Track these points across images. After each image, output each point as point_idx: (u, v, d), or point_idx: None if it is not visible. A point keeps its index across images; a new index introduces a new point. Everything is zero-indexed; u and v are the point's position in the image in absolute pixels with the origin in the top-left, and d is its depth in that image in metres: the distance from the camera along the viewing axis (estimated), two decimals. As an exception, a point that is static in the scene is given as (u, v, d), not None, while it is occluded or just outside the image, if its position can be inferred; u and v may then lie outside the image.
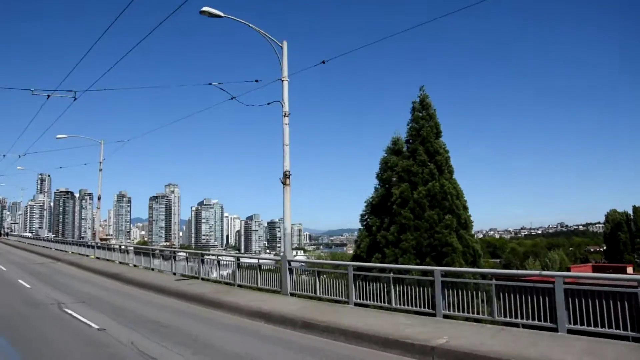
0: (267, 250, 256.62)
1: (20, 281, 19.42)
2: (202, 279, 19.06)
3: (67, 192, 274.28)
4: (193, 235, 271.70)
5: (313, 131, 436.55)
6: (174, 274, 21.09)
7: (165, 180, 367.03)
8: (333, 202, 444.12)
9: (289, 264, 14.47)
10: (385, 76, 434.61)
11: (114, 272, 21.97)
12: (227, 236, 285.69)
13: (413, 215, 16.19)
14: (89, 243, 35.56)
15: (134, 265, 25.32)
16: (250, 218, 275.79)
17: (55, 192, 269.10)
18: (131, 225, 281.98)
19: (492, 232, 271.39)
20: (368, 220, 19.47)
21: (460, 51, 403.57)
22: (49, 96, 21.44)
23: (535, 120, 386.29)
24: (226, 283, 17.65)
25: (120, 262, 27.37)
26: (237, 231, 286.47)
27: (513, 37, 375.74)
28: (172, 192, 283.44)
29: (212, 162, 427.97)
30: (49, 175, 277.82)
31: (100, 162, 30.16)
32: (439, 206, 16.11)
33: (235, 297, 13.72)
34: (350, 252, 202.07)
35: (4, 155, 38.33)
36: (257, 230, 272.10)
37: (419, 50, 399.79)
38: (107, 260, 29.02)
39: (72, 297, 15.04)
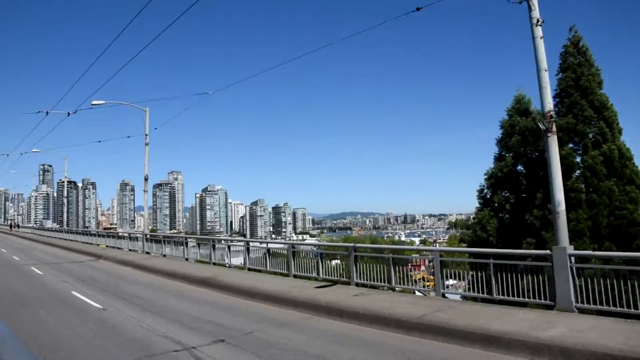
0: (273, 235, 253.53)
1: (83, 298, 13.32)
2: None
3: (70, 182, 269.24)
4: (198, 222, 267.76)
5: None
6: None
7: (168, 168, 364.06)
8: (332, 186, 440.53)
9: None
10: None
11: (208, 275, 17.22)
12: (231, 222, 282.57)
13: (585, 187, 12.28)
14: (119, 234, 33.95)
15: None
16: (255, 203, 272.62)
17: (57, 182, 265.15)
18: (135, 213, 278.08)
19: None
20: (492, 197, 15.62)
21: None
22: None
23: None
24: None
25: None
26: (241, 217, 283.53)
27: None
28: (176, 179, 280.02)
29: (214, 148, 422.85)
30: (50, 166, 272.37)
31: (146, 135, 27.09)
32: (616, 175, 12.24)
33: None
34: (354, 234, 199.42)
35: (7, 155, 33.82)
36: (262, 216, 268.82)
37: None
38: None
39: (194, 331, 9.21)
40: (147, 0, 13.72)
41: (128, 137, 29.27)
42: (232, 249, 20.56)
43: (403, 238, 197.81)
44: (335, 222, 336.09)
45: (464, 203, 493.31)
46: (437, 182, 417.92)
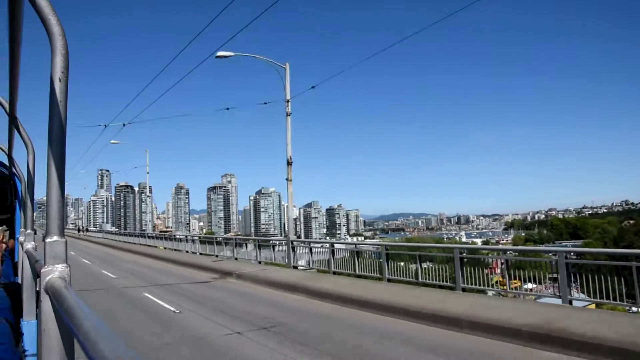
0: (327, 237, 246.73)
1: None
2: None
3: (127, 187, 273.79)
4: (252, 224, 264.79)
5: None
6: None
7: (221, 171, 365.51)
8: (383, 186, 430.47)
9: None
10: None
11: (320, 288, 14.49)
12: (284, 225, 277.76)
13: None
14: (217, 239, 30.57)
15: (234, 258, 24.88)
16: (309, 205, 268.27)
17: (115, 187, 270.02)
18: (190, 216, 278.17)
19: (552, 212, 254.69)
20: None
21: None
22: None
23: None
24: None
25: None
26: (294, 219, 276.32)
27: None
28: (229, 182, 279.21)
29: (266, 151, 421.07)
30: (108, 171, 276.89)
31: (287, 101, 22.61)
32: None
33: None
34: (410, 235, 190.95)
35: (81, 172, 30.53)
36: (316, 217, 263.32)
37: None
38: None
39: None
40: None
41: (265, 103, 26.66)
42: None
43: (464, 239, 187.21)
44: (387, 223, 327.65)
45: (518, 203, 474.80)
46: (489, 181, 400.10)
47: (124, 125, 37.56)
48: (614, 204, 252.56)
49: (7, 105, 3.09)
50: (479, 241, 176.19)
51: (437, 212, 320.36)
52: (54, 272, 1.57)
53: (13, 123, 3.29)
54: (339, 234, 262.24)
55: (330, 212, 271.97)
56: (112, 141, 44.12)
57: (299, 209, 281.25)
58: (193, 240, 31.71)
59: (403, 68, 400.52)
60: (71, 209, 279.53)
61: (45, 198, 1.61)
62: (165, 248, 34.53)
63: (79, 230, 78.11)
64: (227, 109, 31.30)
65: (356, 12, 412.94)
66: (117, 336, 0.93)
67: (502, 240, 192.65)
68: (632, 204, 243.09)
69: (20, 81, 2.37)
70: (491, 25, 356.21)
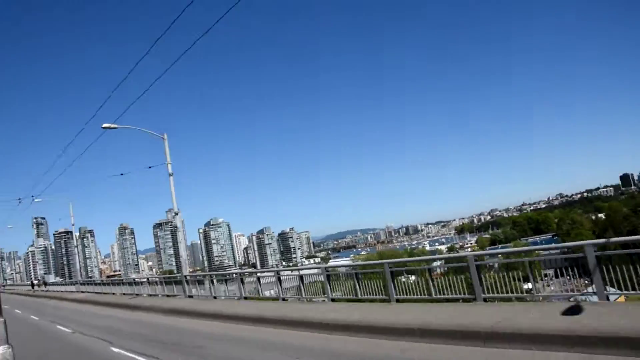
0: (283, 263, 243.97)
1: None
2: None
3: (66, 232, 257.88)
4: (205, 257, 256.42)
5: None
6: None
7: (163, 208, 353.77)
8: (325, 206, 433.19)
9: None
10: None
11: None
12: (237, 255, 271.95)
13: None
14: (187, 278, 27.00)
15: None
16: (261, 232, 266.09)
17: (54, 234, 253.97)
18: (137, 257, 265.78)
19: (497, 212, 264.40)
20: None
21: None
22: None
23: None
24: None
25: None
26: (244, 248, 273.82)
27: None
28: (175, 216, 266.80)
29: (207, 183, 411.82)
30: (44, 218, 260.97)
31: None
32: None
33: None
34: (364, 253, 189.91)
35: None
36: (270, 243, 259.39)
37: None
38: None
39: None
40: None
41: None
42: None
43: (428, 248, 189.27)
44: (336, 242, 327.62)
45: (457, 208, 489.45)
46: (428, 188, 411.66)
47: (33, 198, 47.68)
48: (551, 198, 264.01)
49: None
50: (443, 248, 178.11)
51: (383, 226, 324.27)
52: None
53: None
54: (294, 257, 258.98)
55: (283, 237, 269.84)
56: (36, 199, 47.13)
57: (252, 235, 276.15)
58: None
59: (342, 79, 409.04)
60: (6, 264, 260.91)
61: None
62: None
63: (33, 286, 67.67)
64: (122, 174, 38.42)
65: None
66: None
67: (466, 244, 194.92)
68: (567, 195, 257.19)
69: None
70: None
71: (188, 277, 26.39)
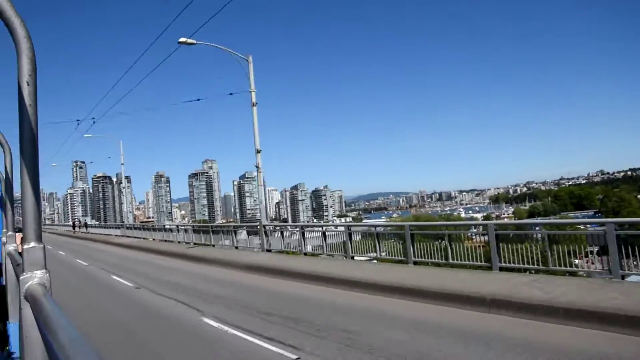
0: (314, 219, 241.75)
1: None
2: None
3: (104, 177, 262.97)
4: (237, 210, 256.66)
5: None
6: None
7: (201, 157, 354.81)
8: (359, 166, 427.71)
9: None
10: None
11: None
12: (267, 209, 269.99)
13: None
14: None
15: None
16: (295, 188, 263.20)
17: (92, 178, 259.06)
18: (171, 205, 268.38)
19: (534, 185, 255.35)
20: None
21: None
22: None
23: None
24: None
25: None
26: (277, 203, 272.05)
27: None
28: (211, 167, 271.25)
29: (244, 136, 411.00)
30: (83, 162, 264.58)
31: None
32: None
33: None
34: (396, 215, 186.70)
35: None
36: (303, 200, 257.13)
37: None
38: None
39: None
40: None
41: (231, 94, 29.28)
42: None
43: (463, 215, 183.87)
44: (367, 203, 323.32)
45: (492, 177, 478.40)
46: (464, 156, 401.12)
47: (94, 121, 41.67)
48: (591, 174, 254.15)
49: None
50: (479, 216, 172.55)
51: (415, 190, 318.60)
52: (33, 279, 1.55)
53: None
54: (326, 215, 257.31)
55: (317, 194, 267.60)
56: (85, 135, 43.28)
57: (285, 191, 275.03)
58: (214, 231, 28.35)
59: (375, 46, 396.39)
60: (46, 204, 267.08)
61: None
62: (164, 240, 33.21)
63: (74, 227, 65.37)
64: (198, 99, 32.97)
65: None
66: (94, 349, 0.90)
67: (503, 214, 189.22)
68: (608, 173, 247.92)
69: None
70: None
71: (268, 227, 23.01)
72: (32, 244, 1.54)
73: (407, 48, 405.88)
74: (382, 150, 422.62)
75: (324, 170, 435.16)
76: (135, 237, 38.51)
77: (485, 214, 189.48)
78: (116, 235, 43.73)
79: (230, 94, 31.06)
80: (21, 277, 1.55)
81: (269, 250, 21.48)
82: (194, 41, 21.42)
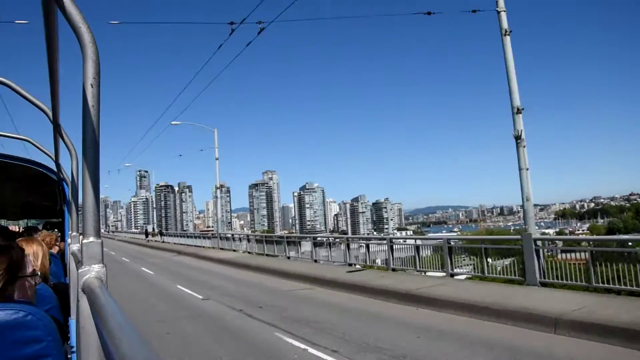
0: (374, 232, 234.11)
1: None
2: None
3: (167, 186, 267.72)
4: (297, 221, 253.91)
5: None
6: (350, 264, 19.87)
7: (261, 169, 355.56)
8: (417, 179, 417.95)
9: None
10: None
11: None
12: (328, 221, 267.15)
13: None
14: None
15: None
16: (355, 200, 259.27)
17: (155, 187, 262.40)
18: (231, 215, 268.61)
19: (602, 200, 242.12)
20: None
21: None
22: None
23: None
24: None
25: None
26: (335, 215, 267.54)
27: None
28: (271, 178, 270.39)
29: (303, 147, 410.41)
30: (146, 171, 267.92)
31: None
32: None
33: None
34: (457, 230, 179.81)
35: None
36: (364, 212, 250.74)
37: None
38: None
39: None
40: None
41: (201, 150, 40.59)
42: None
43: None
44: (426, 216, 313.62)
45: (556, 191, 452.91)
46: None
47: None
48: None
49: (50, 113, 3.22)
50: (550, 231, 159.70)
51: (474, 204, 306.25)
52: (90, 272, 1.60)
53: (57, 130, 3.45)
54: (386, 228, 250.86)
55: (377, 206, 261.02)
56: (172, 122, 41.44)
57: (344, 203, 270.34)
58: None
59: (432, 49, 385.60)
60: (110, 212, 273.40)
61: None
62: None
63: (147, 235, 60.64)
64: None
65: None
66: (143, 339, 0.91)
67: (577, 231, 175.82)
68: None
69: (60, 89, 2.48)
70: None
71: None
72: (91, 239, 1.57)
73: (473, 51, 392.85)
74: (441, 163, 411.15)
75: (380, 183, 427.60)
76: (232, 250, 31.74)
77: (557, 230, 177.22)
78: (205, 247, 36.99)
79: (201, 150, 39.12)
80: (80, 270, 1.58)
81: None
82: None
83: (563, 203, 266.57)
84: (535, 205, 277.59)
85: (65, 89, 2.59)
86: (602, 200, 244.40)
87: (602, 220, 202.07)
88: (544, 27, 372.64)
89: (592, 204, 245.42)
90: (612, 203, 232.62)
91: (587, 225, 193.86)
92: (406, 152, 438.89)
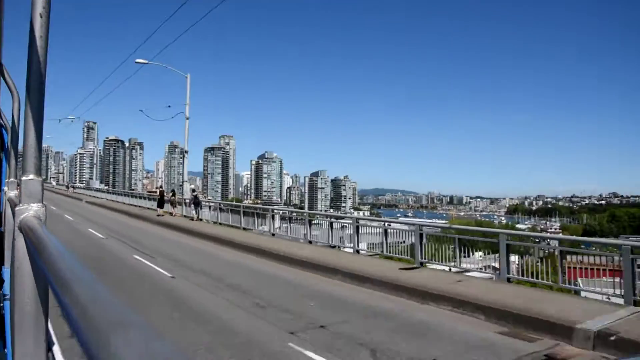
0: (331, 210, 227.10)
1: None
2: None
3: (117, 141, 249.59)
4: (252, 190, 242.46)
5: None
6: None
7: (218, 132, 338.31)
8: (367, 159, 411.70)
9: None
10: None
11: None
12: (284, 193, 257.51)
13: None
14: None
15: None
16: (315, 174, 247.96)
17: (104, 141, 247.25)
18: (183, 178, 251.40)
19: (547, 199, 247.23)
20: None
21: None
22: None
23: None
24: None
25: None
26: (288, 188, 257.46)
27: None
28: (227, 143, 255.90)
29: (265, 116, 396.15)
30: (95, 123, 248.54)
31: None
32: None
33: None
34: (411, 214, 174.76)
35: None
36: (323, 188, 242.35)
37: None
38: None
39: None
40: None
41: (168, 106, 27.65)
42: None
43: (496, 222, 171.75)
44: (376, 198, 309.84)
45: (502, 186, 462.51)
46: (471, 161, 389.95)
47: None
48: (603, 195, 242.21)
49: None
50: (522, 226, 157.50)
51: (422, 190, 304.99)
52: (28, 211, 1.52)
53: None
54: (343, 207, 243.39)
55: (336, 183, 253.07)
56: (137, 60, 35.17)
57: (295, 176, 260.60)
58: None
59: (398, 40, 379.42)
60: (52, 163, 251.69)
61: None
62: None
63: (67, 187, 65.90)
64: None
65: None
66: (96, 279, 0.82)
67: (549, 228, 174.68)
68: (622, 196, 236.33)
69: (4, 25, 2.23)
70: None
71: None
72: (31, 176, 1.50)
73: (415, 46, 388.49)
74: (390, 145, 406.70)
75: (337, 160, 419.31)
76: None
77: (529, 225, 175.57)
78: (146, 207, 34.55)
79: (168, 106, 33.52)
80: (17, 208, 1.49)
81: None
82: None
83: (512, 198, 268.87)
84: (478, 197, 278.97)
85: (9, 25, 2.33)
86: (547, 199, 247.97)
87: (554, 219, 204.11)
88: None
89: (540, 202, 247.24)
90: (560, 203, 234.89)
91: (558, 224, 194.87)
92: (363, 130, 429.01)
